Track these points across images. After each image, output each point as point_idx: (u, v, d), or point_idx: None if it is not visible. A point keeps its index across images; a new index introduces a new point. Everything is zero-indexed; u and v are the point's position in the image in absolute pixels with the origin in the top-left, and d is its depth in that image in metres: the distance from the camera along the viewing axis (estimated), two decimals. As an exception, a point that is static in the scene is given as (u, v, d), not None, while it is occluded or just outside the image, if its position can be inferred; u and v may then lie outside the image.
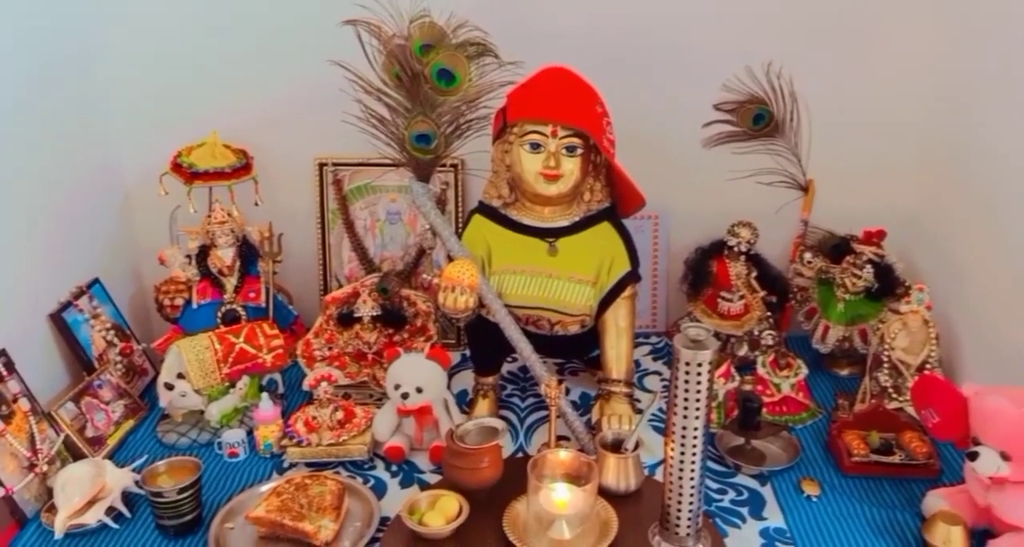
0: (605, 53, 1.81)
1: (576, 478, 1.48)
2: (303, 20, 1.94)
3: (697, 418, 1.36)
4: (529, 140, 1.66)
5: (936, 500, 1.51)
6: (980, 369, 1.78)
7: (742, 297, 2.03)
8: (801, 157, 2.00)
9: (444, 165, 2.01)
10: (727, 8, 1.95)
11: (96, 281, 1.96)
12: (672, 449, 1.40)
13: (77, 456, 1.69)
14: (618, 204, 1.79)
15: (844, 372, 2.01)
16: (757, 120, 1.98)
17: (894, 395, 1.78)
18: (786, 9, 1.94)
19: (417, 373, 1.72)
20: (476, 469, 1.54)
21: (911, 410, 1.72)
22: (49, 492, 1.59)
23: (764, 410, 1.77)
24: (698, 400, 1.36)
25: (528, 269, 1.73)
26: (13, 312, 1.72)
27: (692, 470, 1.40)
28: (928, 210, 2.01)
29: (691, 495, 1.41)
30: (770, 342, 1.88)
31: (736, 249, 2.00)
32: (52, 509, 1.55)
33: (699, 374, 1.34)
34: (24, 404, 1.62)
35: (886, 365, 1.79)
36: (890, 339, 1.78)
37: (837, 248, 2.00)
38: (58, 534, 1.52)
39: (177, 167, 1.93)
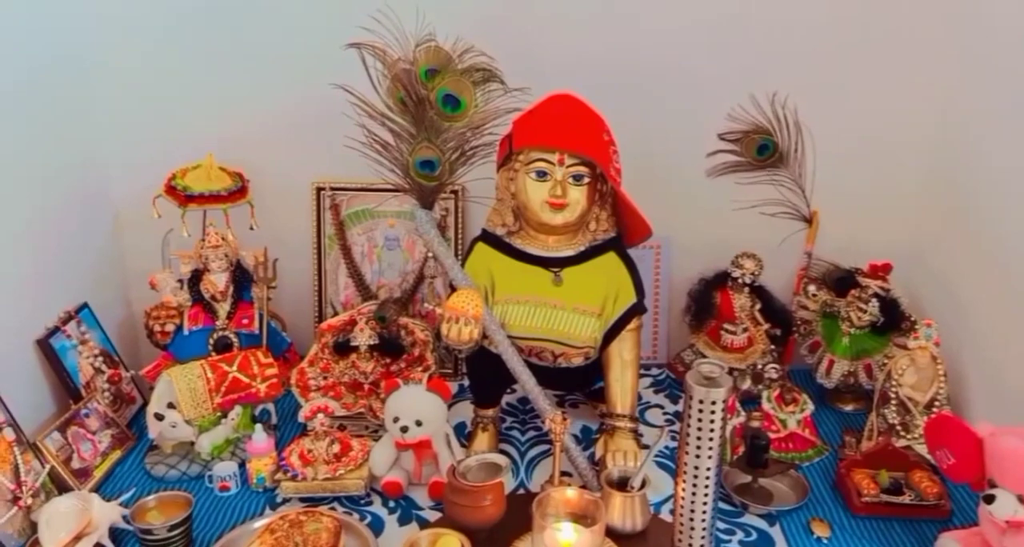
0: (610, 81, 1.79)
1: (582, 517, 1.44)
2: (304, 42, 1.91)
3: (710, 458, 1.33)
4: (535, 168, 1.63)
5: (950, 543, 1.47)
6: (988, 407, 1.76)
7: (746, 329, 2.00)
8: (805, 188, 1.99)
9: (445, 191, 1.97)
10: (732, 37, 1.94)
11: (85, 306, 1.91)
12: (683, 489, 1.36)
13: (62, 489, 1.63)
14: (624, 234, 1.76)
15: (848, 407, 1.97)
16: (761, 150, 1.97)
17: (902, 433, 1.74)
18: (792, 39, 1.93)
19: (417, 406, 1.67)
20: (479, 507, 1.49)
21: (920, 448, 1.69)
22: (33, 527, 1.52)
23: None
24: (711, 439, 1.33)
25: (532, 299, 1.69)
26: (-1, 338, 1.67)
27: (704, 510, 1.36)
28: (933, 244, 2.00)
29: (702, 536, 1.38)
30: (774, 376, 1.85)
31: (740, 281, 1.98)
32: (36, 545, 1.49)
33: (712, 412, 1.31)
34: (9, 434, 1.56)
35: (894, 402, 1.76)
36: (898, 375, 1.75)
37: (842, 281, 1.97)
38: (42, 572, 1.46)
39: (171, 190, 1.88)
